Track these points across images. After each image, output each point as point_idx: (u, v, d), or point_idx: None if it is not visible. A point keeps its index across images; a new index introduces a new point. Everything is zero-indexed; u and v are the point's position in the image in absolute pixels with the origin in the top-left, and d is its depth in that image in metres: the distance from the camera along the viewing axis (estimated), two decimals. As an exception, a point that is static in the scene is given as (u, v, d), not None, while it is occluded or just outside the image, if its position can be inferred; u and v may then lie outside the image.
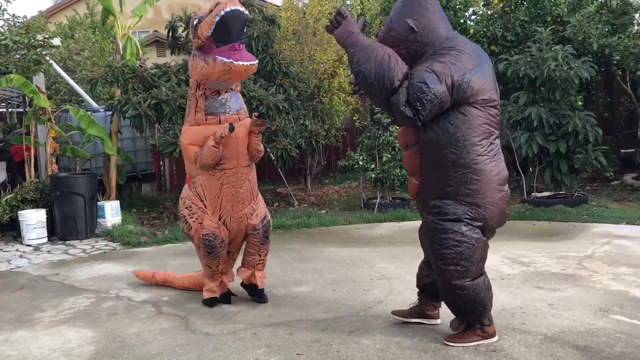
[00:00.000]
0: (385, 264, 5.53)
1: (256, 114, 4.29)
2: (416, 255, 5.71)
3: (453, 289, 3.46)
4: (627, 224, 6.92)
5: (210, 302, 4.47)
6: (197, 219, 4.36)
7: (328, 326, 3.98)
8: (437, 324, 3.89)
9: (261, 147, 4.41)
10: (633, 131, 10.77)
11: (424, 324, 3.89)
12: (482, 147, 3.38)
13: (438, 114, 3.33)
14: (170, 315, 4.34)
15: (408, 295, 4.54)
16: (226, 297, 4.55)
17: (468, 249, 3.40)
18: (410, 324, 3.90)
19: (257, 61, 4.17)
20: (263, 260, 4.56)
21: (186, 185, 4.54)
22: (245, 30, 4.29)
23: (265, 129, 8.11)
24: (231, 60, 4.00)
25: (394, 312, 4.00)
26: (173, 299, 4.70)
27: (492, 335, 3.61)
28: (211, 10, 4.04)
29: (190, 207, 4.41)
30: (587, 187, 9.52)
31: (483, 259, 3.54)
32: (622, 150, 11.04)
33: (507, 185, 3.54)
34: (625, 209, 7.86)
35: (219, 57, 4.02)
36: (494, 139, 3.46)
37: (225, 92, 4.29)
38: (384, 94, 3.32)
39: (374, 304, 4.40)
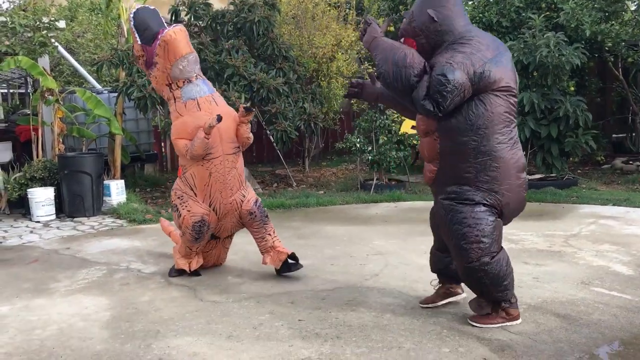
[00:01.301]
0: (381, 241, 5.80)
1: (243, 105, 4.56)
2: (410, 233, 6.04)
3: (476, 268, 3.48)
4: (613, 205, 7.21)
5: (178, 273, 4.81)
6: (186, 206, 4.61)
7: (327, 296, 4.26)
8: (464, 297, 3.97)
9: (250, 135, 4.66)
10: (624, 116, 11.05)
11: (452, 302, 3.98)
12: (503, 135, 3.45)
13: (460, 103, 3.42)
14: (179, 285, 4.62)
15: (402, 269, 4.84)
16: (196, 273, 4.82)
17: (488, 226, 3.47)
18: (404, 295, 4.19)
19: (179, 25, 4.54)
20: (276, 237, 4.80)
21: (178, 178, 4.78)
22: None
23: (264, 114, 8.39)
24: (165, 33, 4.39)
25: (423, 302, 4.02)
26: (180, 271, 4.99)
27: (516, 318, 3.66)
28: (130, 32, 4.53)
29: (182, 196, 4.66)
30: (578, 171, 9.80)
31: (501, 236, 3.61)
32: (613, 135, 11.31)
33: (524, 172, 3.62)
34: (613, 192, 8.15)
35: (155, 46, 4.44)
36: (513, 127, 3.53)
37: (195, 79, 4.57)
38: (405, 90, 3.43)
39: (370, 277, 4.68)
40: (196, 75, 4.58)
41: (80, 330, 3.79)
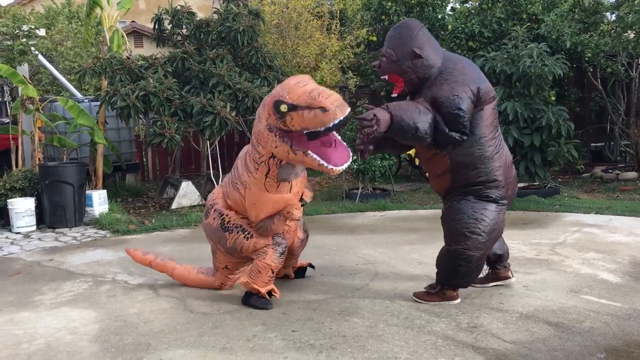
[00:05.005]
0: (369, 250, 5.79)
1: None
2: (398, 243, 6.04)
3: (461, 254, 3.96)
4: (596, 213, 7.29)
5: (265, 304, 4.24)
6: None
7: (319, 306, 4.22)
8: (512, 282, 4.53)
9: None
10: (603, 125, 11.22)
11: (501, 285, 4.50)
12: (496, 140, 3.99)
13: None
14: (167, 297, 4.55)
15: (393, 278, 4.83)
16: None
17: (490, 224, 3.97)
18: (396, 305, 4.17)
19: (350, 159, 3.73)
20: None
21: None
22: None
23: (249, 123, 8.41)
24: (330, 166, 3.63)
25: (475, 283, 4.35)
26: (169, 282, 4.88)
27: (452, 298, 4.17)
28: (310, 107, 3.55)
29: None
30: (559, 179, 9.92)
31: (496, 239, 4.10)
32: (592, 144, 11.48)
33: (513, 165, 4.20)
34: (594, 200, 8.25)
35: (312, 155, 3.65)
36: (499, 130, 4.08)
37: None
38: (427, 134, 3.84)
39: (361, 287, 4.65)
40: None
41: (69, 344, 3.70)
